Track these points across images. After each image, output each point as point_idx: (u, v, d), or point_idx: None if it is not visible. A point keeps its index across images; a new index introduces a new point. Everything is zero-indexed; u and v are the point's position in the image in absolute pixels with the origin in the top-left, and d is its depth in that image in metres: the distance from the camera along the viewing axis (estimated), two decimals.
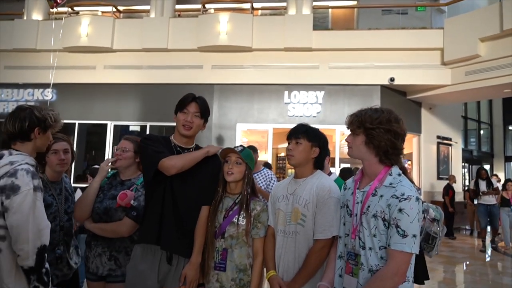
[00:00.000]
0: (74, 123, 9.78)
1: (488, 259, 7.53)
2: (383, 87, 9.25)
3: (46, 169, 2.36)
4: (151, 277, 2.03)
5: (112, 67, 9.90)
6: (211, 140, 9.24)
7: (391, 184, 1.66)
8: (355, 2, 10.95)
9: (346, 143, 1.84)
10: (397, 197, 1.59)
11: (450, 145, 11.31)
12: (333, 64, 9.23)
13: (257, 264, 2.06)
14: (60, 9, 10.03)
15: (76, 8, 10.52)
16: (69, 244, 2.40)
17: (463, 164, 13.26)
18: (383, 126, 1.68)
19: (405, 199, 1.57)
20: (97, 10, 10.76)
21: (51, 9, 9.93)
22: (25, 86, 10.30)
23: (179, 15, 10.51)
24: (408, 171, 3.45)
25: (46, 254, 1.76)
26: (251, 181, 2.16)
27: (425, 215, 2.01)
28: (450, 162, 11.25)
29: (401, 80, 9.08)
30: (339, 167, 9.18)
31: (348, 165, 9.24)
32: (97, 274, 2.31)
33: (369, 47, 9.09)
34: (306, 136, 2.06)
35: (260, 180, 4.30)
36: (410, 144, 10.50)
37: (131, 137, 2.50)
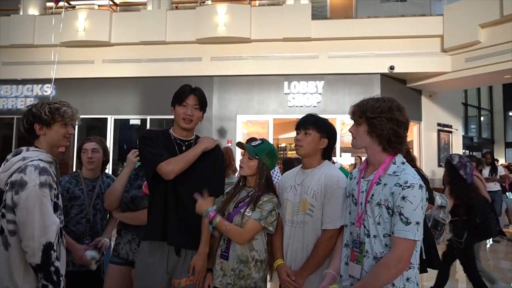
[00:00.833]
0: None
1: (488, 245, 7.58)
2: (383, 75, 9.23)
3: (82, 167, 2.65)
4: (161, 269, 2.05)
5: (110, 61, 9.87)
6: (212, 132, 9.24)
7: (394, 172, 1.67)
8: None
9: (348, 133, 1.85)
10: (400, 185, 1.60)
11: (451, 132, 11.32)
12: (333, 53, 9.20)
13: (229, 231, 1.99)
14: (53, 4, 9.96)
15: (72, 2, 10.45)
16: (94, 237, 2.52)
17: (463, 151, 13.28)
18: (384, 114, 1.68)
19: (408, 187, 1.59)
20: (94, 4, 10.69)
21: (54, 7, 9.84)
22: (24, 82, 10.29)
23: (176, 7, 10.44)
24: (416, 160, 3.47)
25: (53, 252, 1.74)
26: (265, 177, 2.12)
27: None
28: (450, 149, 11.26)
29: (401, 68, 9.06)
30: (340, 156, 9.21)
31: (349, 154, 9.26)
32: (128, 259, 2.41)
33: (368, 35, 9.05)
34: (315, 126, 2.06)
35: None
36: (411, 132, 10.50)
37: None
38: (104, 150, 2.68)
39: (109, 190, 2.47)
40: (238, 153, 6.64)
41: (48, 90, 10.14)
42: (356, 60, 9.12)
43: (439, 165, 10.74)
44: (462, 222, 3.83)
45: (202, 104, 2.18)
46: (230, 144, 8.25)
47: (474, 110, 16.55)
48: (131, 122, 10.20)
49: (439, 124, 10.87)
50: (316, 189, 2.01)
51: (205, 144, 2.12)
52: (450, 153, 11.18)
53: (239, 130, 9.44)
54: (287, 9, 9.22)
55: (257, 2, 10.43)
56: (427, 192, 2.51)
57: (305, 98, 9.29)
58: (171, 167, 1.98)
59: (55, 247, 1.76)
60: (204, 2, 10.06)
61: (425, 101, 10.51)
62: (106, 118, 9.94)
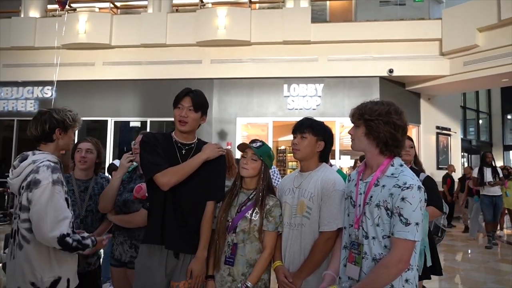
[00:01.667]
0: None
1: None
2: (382, 78, 9.27)
3: (75, 168, 2.64)
4: (159, 271, 2.04)
5: (111, 64, 9.91)
6: (212, 135, 9.28)
7: (393, 174, 1.69)
8: None
9: (347, 135, 1.88)
10: (399, 186, 1.62)
11: (449, 135, 11.37)
12: (332, 56, 9.24)
13: (263, 257, 2.05)
14: (57, 6, 9.99)
15: (73, 5, 10.48)
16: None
17: (462, 153, 13.32)
18: (382, 117, 1.70)
19: (407, 188, 1.60)
20: (95, 7, 10.73)
21: (59, 10, 9.87)
22: (25, 84, 10.31)
23: (176, 10, 10.49)
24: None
25: (68, 239, 1.83)
26: (267, 178, 2.14)
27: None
28: (449, 152, 11.31)
29: (400, 71, 9.11)
30: (339, 159, 9.23)
31: (348, 157, 9.29)
32: (121, 260, 2.51)
33: (367, 39, 9.10)
34: (311, 130, 2.09)
35: None
36: (410, 135, 10.51)
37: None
38: (98, 152, 2.70)
39: (102, 194, 2.51)
40: (237, 155, 6.66)
41: (49, 92, 10.18)
42: (355, 63, 9.16)
43: (438, 168, 10.79)
44: None
45: (198, 106, 2.12)
46: (230, 147, 8.29)
47: (472, 113, 16.60)
48: (131, 124, 10.20)
49: (437, 127, 10.92)
50: (313, 191, 2.03)
51: (207, 154, 2.08)
52: (449, 155, 11.24)
53: (239, 133, 9.46)
54: (287, 12, 9.27)
55: (257, 5, 10.49)
56: (437, 199, 2.52)
57: (305, 101, 9.32)
58: (166, 179, 1.97)
59: (70, 235, 1.85)
60: (204, 5, 10.11)
61: (424, 104, 10.56)
62: (106, 120, 9.96)
